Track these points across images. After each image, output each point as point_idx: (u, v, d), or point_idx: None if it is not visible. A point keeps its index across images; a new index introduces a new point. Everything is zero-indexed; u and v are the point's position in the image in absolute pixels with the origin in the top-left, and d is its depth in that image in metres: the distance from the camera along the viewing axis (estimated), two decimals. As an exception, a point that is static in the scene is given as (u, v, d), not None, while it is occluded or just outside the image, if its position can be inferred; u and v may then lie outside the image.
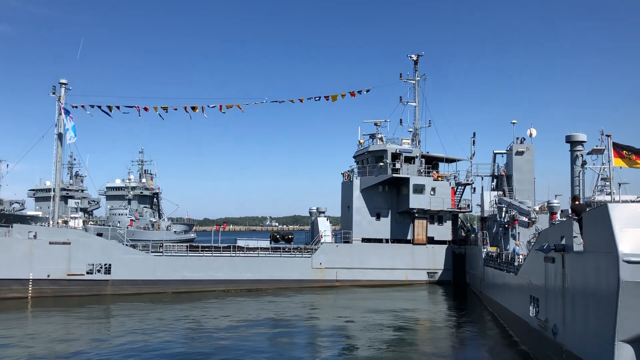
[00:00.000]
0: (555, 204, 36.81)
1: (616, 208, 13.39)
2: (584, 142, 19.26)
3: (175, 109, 45.21)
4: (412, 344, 25.53)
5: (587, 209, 16.63)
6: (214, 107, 46.02)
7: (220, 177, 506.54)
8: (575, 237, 16.31)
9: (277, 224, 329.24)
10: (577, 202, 17.14)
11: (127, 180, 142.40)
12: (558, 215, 35.54)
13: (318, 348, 24.65)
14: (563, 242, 17.50)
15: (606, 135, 15.33)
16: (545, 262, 19.66)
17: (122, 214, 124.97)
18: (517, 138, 48.11)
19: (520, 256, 28.04)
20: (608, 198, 66.39)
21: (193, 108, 45.32)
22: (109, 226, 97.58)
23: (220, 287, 42.37)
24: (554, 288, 18.63)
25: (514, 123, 48.20)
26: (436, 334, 28.76)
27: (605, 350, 13.59)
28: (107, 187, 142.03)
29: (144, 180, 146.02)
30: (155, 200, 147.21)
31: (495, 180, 51.81)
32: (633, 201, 16.85)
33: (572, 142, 19.44)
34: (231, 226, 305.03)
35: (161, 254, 42.40)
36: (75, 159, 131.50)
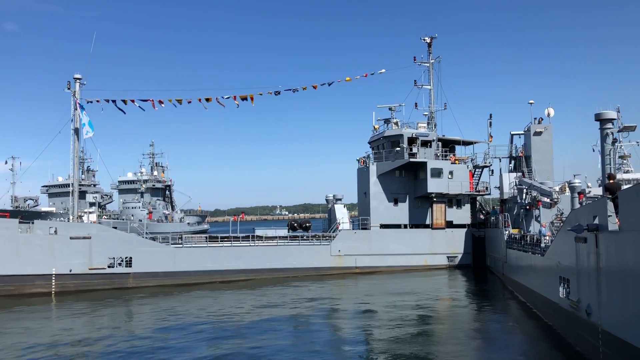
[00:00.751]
0: (577, 184, 36.45)
1: (657, 185, 13.06)
2: (614, 119, 18.84)
3: (190, 102, 45.07)
4: (438, 325, 25.68)
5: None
6: (228, 98, 45.78)
7: (231, 167, 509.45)
8: (610, 216, 15.97)
9: (287, 213, 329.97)
10: (612, 181, 16.77)
11: (139, 174, 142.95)
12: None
13: (342, 336, 24.52)
14: (596, 221, 17.14)
15: (644, 111, 14.96)
16: (577, 242, 19.32)
17: (135, 207, 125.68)
18: (535, 118, 47.63)
19: (547, 237, 27.72)
20: (627, 176, 65.72)
21: (207, 99, 45.14)
22: (123, 219, 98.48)
23: (240, 277, 42.49)
24: (587, 268, 18.32)
25: (531, 103, 47.69)
26: (461, 315, 28.79)
27: (647, 330, 13.35)
28: (119, 181, 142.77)
29: (155, 173, 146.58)
30: (167, 192, 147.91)
31: (513, 161, 51.39)
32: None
33: (602, 120, 18.97)
34: (235, 216, 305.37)
35: (181, 245, 42.54)
36: (86, 154, 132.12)
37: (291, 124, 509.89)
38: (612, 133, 18.96)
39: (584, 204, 23.95)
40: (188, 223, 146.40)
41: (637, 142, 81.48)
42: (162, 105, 44.74)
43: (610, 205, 16.00)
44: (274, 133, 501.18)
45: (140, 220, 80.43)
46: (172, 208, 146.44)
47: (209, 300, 33.85)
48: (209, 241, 43.65)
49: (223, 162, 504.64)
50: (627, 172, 79.02)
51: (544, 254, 26.14)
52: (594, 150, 78.96)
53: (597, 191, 52.03)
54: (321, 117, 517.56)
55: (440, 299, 34.41)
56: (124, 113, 44.53)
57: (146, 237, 42.53)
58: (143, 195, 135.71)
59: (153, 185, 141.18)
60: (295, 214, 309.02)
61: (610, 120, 18.95)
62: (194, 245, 43.15)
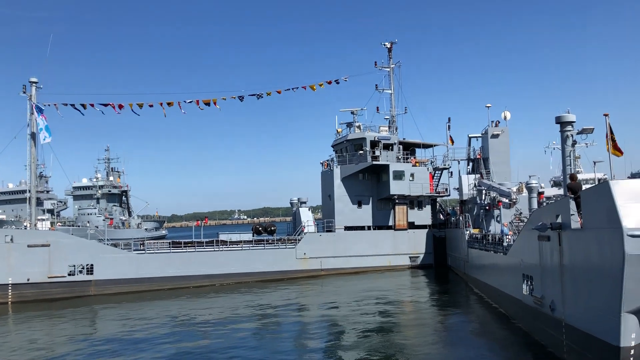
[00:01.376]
0: (534, 184, 37.82)
1: (617, 185, 13.83)
2: (574, 122, 19.74)
3: (151, 106, 44.36)
4: (401, 326, 26.04)
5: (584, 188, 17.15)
6: (190, 102, 45.37)
7: (188, 172, 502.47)
8: (572, 214, 16.76)
9: (245, 217, 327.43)
10: (574, 181, 17.60)
11: (95, 179, 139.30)
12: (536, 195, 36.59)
13: (306, 338, 24.72)
14: (559, 220, 17.94)
15: (604, 115, 15.76)
16: (540, 241, 20.17)
17: (91, 214, 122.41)
18: (492, 121, 49.06)
19: (509, 236, 28.70)
20: (580, 176, 68.16)
21: (169, 104, 44.63)
22: (79, 226, 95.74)
23: (205, 282, 42.11)
24: (550, 265, 19.14)
25: (488, 107, 49.13)
26: (426, 314, 29.54)
27: (611, 322, 14.10)
28: (73, 187, 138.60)
29: (111, 178, 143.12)
30: (124, 198, 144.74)
31: (471, 163, 52.79)
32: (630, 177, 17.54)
33: (563, 123, 19.88)
34: (198, 221, 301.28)
35: (144, 251, 41.85)
36: (39, 160, 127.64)
37: (252, 128, 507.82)
38: (572, 135, 19.87)
39: (544, 204, 24.93)
40: (145, 229, 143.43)
41: (587, 144, 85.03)
42: (123, 109, 43.97)
43: (572, 205, 16.78)
44: (234, 137, 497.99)
45: (97, 227, 78.61)
46: (129, 214, 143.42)
47: (173, 307, 33.33)
48: (173, 247, 43.08)
49: (180, 167, 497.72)
50: (578, 172, 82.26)
51: (507, 253, 27.08)
52: (545, 152, 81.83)
53: (551, 191, 54.22)
54: (282, 122, 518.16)
55: (405, 299, 35.00)
56: (82, 114, 43.44)
57: (108, 244, 41.65)
58: (99, 201, 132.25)
59: (109, 191, 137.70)
60: (255, 218, 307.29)
61: (570, 123, 19.87)
62: (157, 251, 42.50)
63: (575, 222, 16.61)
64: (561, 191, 64.61)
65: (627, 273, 13.26)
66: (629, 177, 36.02)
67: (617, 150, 16.51)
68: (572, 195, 16.97)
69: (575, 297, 16.89)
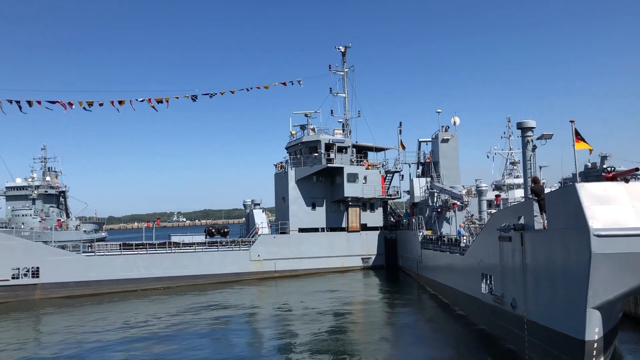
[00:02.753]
0: (484, 188, 39.32)
1: (583, 188, 14.68)
2: (534, 128, 20.76)
3: (101, 104, 42.97)
4: (355, 326, 26.59)
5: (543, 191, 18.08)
6: (142, 101, 44.27)
7: (127, 173, 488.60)
8: (536, 216, 17.62)
9: (184, 219, 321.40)
10: (536, 184, 18.48)
11: (30, 179, 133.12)
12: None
13: (259, 339, 24.82)
14: (521, 221, 18.81)
15: (570, 121, 16.68)
16: (501, 242, 21.03)
17: (26, 215, 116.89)
18: (442, 126, 50.51)
19: (465, 238, 29.70)
20: (517, 180, 71.10)
21: (120, 102, 43.39)
22: (12, 228, 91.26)
23: (157, 285, 41.25)
24: (512, 265, 20.00)
25: (439, 112, 50.55)
26: (380, 314, 30.19)
27: (576, 318, 14.92)
28: (6, 187, 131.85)
29: (48, 178, 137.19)
30: (61, 199, 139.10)
31: (421, 167, 54.15)
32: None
33: (524, 129, 20.87)
34: (136, 223, 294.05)
35: (93, 254, 40.51)
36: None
37: (203, 129, 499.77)
38: (532, 140, 20.87)
39: (501, 206, 25.97)
40: (84, 231, 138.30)
41: (510, 149, 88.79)
42: (72, 107, 42.36)
43: (536, 206, 17.64)
44: (181, 138, 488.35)
45: (32, 229, 75.31)
46: (67, 215, 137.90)
47: (124, 311, 32.43)
48: (124, 249, 41.89)
49: (119, 167, 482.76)
50: (517, 177, 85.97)
51: (464, 253, 28.02)
52: (488, 157, 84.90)
53: (491, 195, 56.39)
54: (231, 124, 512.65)
55: (358, 299, 35.52)
56: (24, 112, 41.54)
57: (55, 246, 40.06)
58: (35, 202, 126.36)
59: (45, 192, 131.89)
60: (197, 221, 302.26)
61: (531, 129, 20.88)
62: (107, 253, 41.22)
63: (539, 223, 17.47)
64: (503, 194, 67.22)
65: (593, 271, 14.08)
66: (559, 183, 38.32)
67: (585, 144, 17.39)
68: (536, 198, 17.82)
69: (538, 294, 17.72)
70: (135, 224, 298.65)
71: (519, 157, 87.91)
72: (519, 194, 54.03)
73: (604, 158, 67.97)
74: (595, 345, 14.80)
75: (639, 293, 19.65)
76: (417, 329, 26.06)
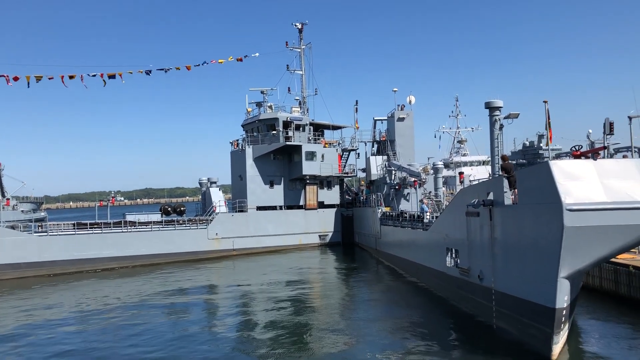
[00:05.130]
0: (439, 165, 40.44)
1: (555, 165, 15.50)
2: (501, 107, 21.56)
3: (51, 78, 41.20)
4: (317, 302, 26.84)
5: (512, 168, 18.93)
6: (94, 75, 42.72)
7: (65, 150, 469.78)
8: (505, 192, 18.45)
9: (123, 199, 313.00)
10: (505, 162, 19.30)
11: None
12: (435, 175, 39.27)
13: (217, 316, 24.70)
14: (490, 197, 19.63)
15: (543, 102, 17.46)
16: (468, 217, 21.88)
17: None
18: (398, 105, 51.35)
19: (428, 214, 30.61)
20: (464, 158, 73.84)
21: (70, 77, 41.73)
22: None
23: (113, 265, 40.43)
24: (480, 239, 20.89)
25: (395, 91, 51.31)
26: (341, 289, 30.74)
27: (547, 287, 15.84)
28: None
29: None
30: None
31: (376, 145, 54.97)
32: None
33: (491, 108, 21.62)
34: (71, 203, 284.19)
35: (46, 233, 39.14)
36: None
37: (155, 105, 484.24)
38: (499, 119, 21.68)
39: (464, 184, 26.89)
40: (22, 210, 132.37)
41: (472, 129, 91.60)
42: (17, 80, 40.37)
43: (506, 183, 18.46)
44: (125, 115, 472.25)
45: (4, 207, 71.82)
46: (3, 195, 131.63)
47: (79, 292, 31.69)
48: (78, 228, 40.65)
49: (59, 145, 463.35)
50: (464, 155, 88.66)
51: (427, 229, 28.92)
52: (435, 136, 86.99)
53: (447, 172, 58.04)
54: (182, 100, 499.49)
55: (318, 276, 36.03)
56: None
57: (3, 226, 38.43)
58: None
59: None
60: (138, 200, 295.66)
61: (498, 108, 21.68)
62: (61, 233, 39.92)
63: (508, 198, 18.32)
64: (450, 172, 69.31)
65: (564, 243, 14.96)
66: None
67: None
68: (506, 175, 18.63)
69: (507, 266, 18.64)
70: (71, 203, 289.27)
71: (466, 135, 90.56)
72: (466, 171, 55.82)
73: (541, 137, 71.31)
74: (564, 312, 15.82)
75: (603, 262, 20.90)
76: (379, 302, 26.75)
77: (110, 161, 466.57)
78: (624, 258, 22.69)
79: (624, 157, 21.25)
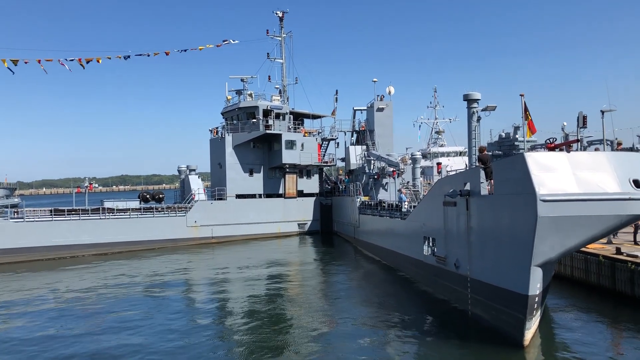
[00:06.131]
0: (418, 156, 40.98)
1: (530, 157, 15.97)
2: (479, 100, 21.97)
3: (27, 62, 40.51)
4: (297, 290, 27.03)
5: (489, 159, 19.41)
6: (72, 60, 42.15)
7: (40, 136, 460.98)
8: (482, 182, 18.93)
9: (97, 185, 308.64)
10: (483, 153, 19.75)
11: None
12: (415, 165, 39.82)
13: (195, 304, 24.56)
14: (467, 187, 20.10)
15: (520, 95, 17.92)
16: (445, 206, 22.36)
17: None
18: (378, 95, 51.72)
19: (406, 203, 31.10)
20: (441, 149, 74.85)
21: (48, 61, 41.12)
22: None
23: (91, 251, 40.24)
24: (456, 228, 21.39)
25: (375, 81, 51.65)
26: (320, 277, 31.07)
27: (521, 275, 16.39)
28: None
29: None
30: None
31: (355, 135, 55.34)
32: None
33: (469, 100, 22.01)
34: (44, 189, 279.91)
35: (22, 219, 38.73)
36: None
37: (124, 92, 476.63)
38: (477, 111, 22.12)
39: (442, 174, 27.38)
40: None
41: (450, 119, 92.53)
42: (-7, 64, 39.65)
43: (482, 174, 18.93)
44: (104, 100, 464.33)
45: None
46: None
47: (56, 279, 31.40)
48: (55, 215, 40.27)
49: (34, 130, 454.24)
50: (442, 145, 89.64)
51: (405, 218, 29.42)
52: (414, 126, 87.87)
53: (425, 162, 58.74)
54: (159, 87, 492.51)
55: (297, 263, 36.32)
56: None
57: (-23, 212, 37.97)
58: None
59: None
60: (114, 187, 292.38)
61: (476, 101, 22.10)
62: (38, 219, 39.53)
63: (484, 189, 18.80)
64: (427, 163, 70.13)
65: (538, 232, 15.49)
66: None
67: (530, 129, 18.82)
68: (482, 166, 19.10)
69: (482, 254, 19.17)
70: (44, 189, 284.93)
71: (444, 126, 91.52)
72: (443, 161, 56.62)
73: (516, 128, 72.53)
74: (537, 299, 16.40)
75: (575, 252, 21.56)
76: (357, 289, 27.19)
77: (85, 147, 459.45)
78: (594, 248, 23.44)
79: (596, 149, 21.87)
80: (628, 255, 21.56)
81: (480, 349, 16.52)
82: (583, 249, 22.12)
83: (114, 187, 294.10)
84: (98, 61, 44.03)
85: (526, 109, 18.23)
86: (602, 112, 24.63)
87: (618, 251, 22.35)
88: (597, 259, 22.74)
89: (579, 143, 19.45)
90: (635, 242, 24.77)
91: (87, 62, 43.68)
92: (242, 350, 16.88)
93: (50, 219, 39.88)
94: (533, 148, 23.53)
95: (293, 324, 19.95)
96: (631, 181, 15.16)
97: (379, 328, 18.99)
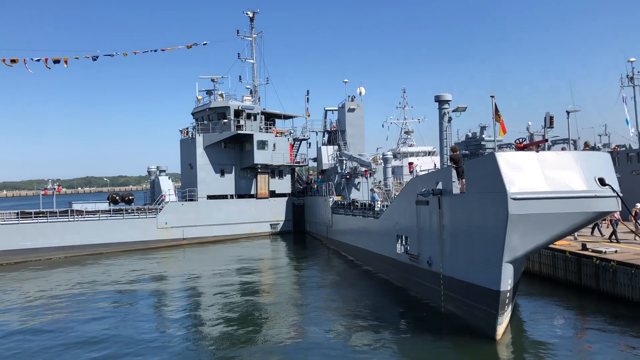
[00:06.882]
0: (389, 156, 41.50)
1: (501, 157, 16.43)
2: (450, 101, 22.42)
3: (-5, 61, 39.58)
4: (269, 290, 27.08)
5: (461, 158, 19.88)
6: (38, 60, 41.34)
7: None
8: (454, 181, 19.35)
9: (58, 185, 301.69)
10: (455, 152, 20.20)
11: None
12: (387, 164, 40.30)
13: (166, 307, 24.12)
14: (439, 186, 20.52)
15: (491, 96, 18.39)
16: (418, 205, 22.76)
17: None
18: (349, 96, 52.10)
19: (379, 202, 31.48)
20: (411, 149, 76.07)
21: (13, 61, 40.22)
22: None
23: (60, 254, 39.53)
24: (429, 227, 21.81)
25: (345, 82, 52.02)
26: (293, 277, 31.27)
27: (492, 271, 16.85)
28: None
29: None
30: None
31: (327, 135, 55.63)
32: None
33: (440, 101, 22.45)
34: (5, 192, 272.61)
35: (-13, 223, 37.79)
36: None
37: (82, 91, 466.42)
38: (448, 112, 22.58)
39: (414, 173, 27.83)
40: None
41: (419, 120, 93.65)
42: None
43: (454, 173, 19.36)
44: (67, 102, 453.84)
45: None
46: None
47: (22, 283, 30.73)
48: (22, 217, 39.36)
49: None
50: (411, 145, 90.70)
51: (378, 217, 29.79)
52: (383, 126, 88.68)
53: (396, 162, 59.37)
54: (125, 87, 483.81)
55: (269, 264, 36.32)
56: None
57: (-60, 215, 36.85)
58: None
59: None
60: (79, 189, 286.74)
61: (447, 102, 22.55)
62: (3, 222, 38.57)
63: (456, 188, 19.23)
64: (397, 162, 70.93)
65: (509, 229, 15.95)
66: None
67: (502, 129, 19.37)
68: (454, 165, 19.54)
69: (455, 252, 19.61)
70: (5, 192, 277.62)
71: (413, 127, 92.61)
72: (413, 161, 57.35)
73: (483, 128, 74.11)
74: (508, 294, 16.87)
75: (543, 248, 22.18)
76: (330, 288, 27.25)
77: (48, 148, 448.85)
78: (561, 244, 24.21)
79: (563, 149, 22.65)
80: (593, 251, 22.36)
81: (453, 343, 16.94)
82: (551, 245, 22.79)
83: (79, 188, 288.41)
84: (65, 61, 43.34)
85: (497, 110, 18.74)
86: (568, 112, 25.51)
87: (584, 247, 23.13)
88: (564, 255, 23.50)
89: (546, 142, 20.07)
90: (614, 239, 25.51)
91: (55, 62, 43.00)
92: (212, 353, 16.76)
93: (17, 221, 38.97)
94: (500, 147, 24.12)
95: (264, 327, 19.72)
96: (597, 179, 15.75)
97: (353, 326, 19.18)
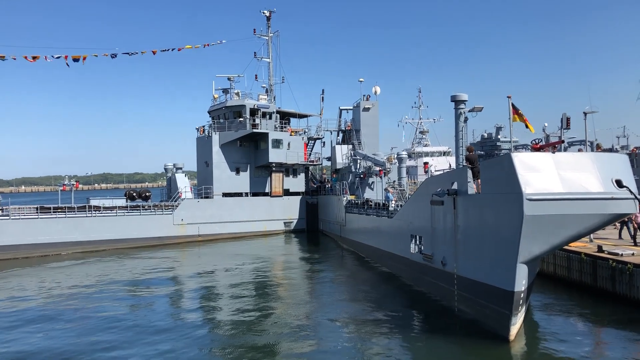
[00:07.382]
0: (404, 155, 41.52)
1: (517, 157, 16.45)
2: (466, 101, 22.44)
3: (14, 58, 40.39)
4: (283, 287, 27.30)
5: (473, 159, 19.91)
6: (58, 57, 42.13)
7: (19, 133, 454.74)
8: (469, 182, 19.40)
9: (76, 182, 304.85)
10: (471, 152, 20.24)
11: None
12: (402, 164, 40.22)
13: (181, 305, 24.19)
14: (454, 187, 20.57)
15: (507, 97, 18.43)
16: (432, 205, 22.82)
17: None
18: (364, 95, 52.18)
19: (393, 202, 31.55)
20: (426, 149, 75.92)
21: (34, 57, 40.99)
22: None
23: (77, 249, 40.12)
24: (443, 227, 21.87)
25: (361, 81, 52.09)
26: (307, 274, 31.39)
27: (507, 271, 16.89)
28: None
29: None
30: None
31: (341, 134, 55.77)
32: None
33: (457, 102, 22.48)
34: (24, 187, 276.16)
35: (7, 217, 38.45)
36: None
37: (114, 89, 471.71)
38: (464, 112, 22.60)
39: (429, 174, 27.88)
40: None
41: (434, 120, 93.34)
42: (-22, 60, 39.41)
43: (469, 173, 19.41)
44: (88, 100, 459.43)
45: None
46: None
47: (42, 277, 31.29)
48: (41, 212, 40.06)
49: (15, 125, 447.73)
50: (426, 145, 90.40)
51: (392, 216, 29.86)
52: (398, 126, 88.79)
53: (410, 162, 59.29)
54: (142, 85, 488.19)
55: (284, 261, 36.54)
56: None
57: (-39, 210, 37.64)
58: None
59: None
60: (95, 185, 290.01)
61: (463, 102, 22.58)
62: (23, 217, 39.28)
63: (472, 188, 19.28)
64: (412, 162, 70.75)
65: (524, 230, 15.99)
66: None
67: (529, 126, 19.38)
68: (470, 165, 19.59)
69: (469, 252, 19.65)
70: (24, 187, 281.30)
71: (428, 127, 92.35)
72: (428, 161, 57.26)
73: (499, 129, 73.68)
74: (522, 295, 16.91)
75: (558, 249, 22.13)
76: (343, 287, 27.44)
77: (66, 145, 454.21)
78: (576, 246, 24.11)
79: (579, 150, 22.56)
80: (609, 253, 22.24)
81: (466, 344, 16.97)
82: (565, 247, 22.73)
83: (96, 185, 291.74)
84: (84, 59, 43.99)
85: (517, 109, 18.76)
86: (585, 113, 25.39)
87: (600, 249, 23.02)
88: (579, 257, 23.39)
89: (563, 144, 20.04)
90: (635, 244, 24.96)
91: (74, 60, 43.69)
92: (228, 350, 16.87)
93: (37, 216, 39.66)
94: (516, 148, 24.09)
95: (278, 322, 20.00)
96: (613, 181, 15.71)
97: (366, 324, 19.32)
